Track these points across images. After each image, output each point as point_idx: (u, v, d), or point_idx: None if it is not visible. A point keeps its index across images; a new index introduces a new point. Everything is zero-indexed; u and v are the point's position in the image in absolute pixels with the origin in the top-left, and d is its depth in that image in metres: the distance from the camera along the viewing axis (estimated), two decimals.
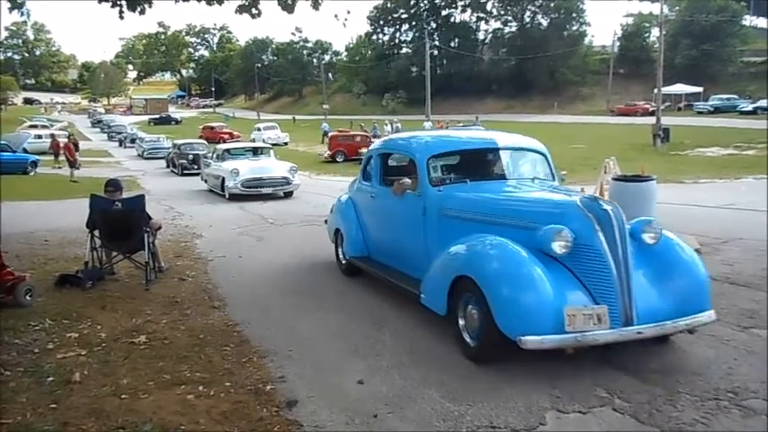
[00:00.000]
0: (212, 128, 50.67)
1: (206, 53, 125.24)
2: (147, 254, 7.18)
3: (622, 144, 28.68)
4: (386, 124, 43.00)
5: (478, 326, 4.44)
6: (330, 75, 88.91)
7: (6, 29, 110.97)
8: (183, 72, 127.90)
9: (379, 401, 3.98)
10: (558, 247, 4.32)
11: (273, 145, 29.23)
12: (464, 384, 4.17)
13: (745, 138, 30.34)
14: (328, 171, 27.98)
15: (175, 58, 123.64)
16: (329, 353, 4.91)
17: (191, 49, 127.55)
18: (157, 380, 4.34)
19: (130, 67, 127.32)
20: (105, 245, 7.36)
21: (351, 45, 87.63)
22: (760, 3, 61.36)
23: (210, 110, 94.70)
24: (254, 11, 11.35)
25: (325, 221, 8.43)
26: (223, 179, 16.64)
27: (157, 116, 74.36)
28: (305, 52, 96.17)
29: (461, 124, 36.65)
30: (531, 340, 3.97)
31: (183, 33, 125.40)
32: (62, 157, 26.58)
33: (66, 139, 25.72)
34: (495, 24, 74.74)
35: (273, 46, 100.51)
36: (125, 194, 7.84)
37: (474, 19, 76.27)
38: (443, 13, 76.18)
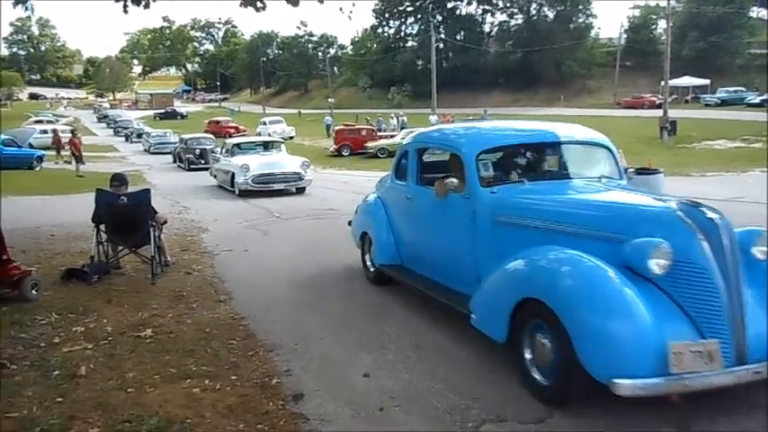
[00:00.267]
0: (218, 122, 50.69)
1: (211, 47, 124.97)
2: (152, 248, 7.18)
3: (629, 137, 28.40)
4: (391, 118, 42.89)
5: (553, 360, 3.69)
6: (335, 68, 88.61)
7: (11, 24, 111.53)
8: (189, 66, 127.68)
9: (385, 395, 3.97)
10: (655, 265, 3.55)
11: None
12: (470, 377, 4.14)
13: (752, 130, 30.07)
14: (334, 165, 27.94)
15: (180, 52, 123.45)
16: (335, 346, 4.91)
17: (196, 44, 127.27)
18: (163, 373, 4.34)
19: (135, 61, 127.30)
20: (111, 239, 7.37)
21: (356, 38, 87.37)
22: None
23: (216, 104, 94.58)
24: (258, 4, 11.26)
25: (349, 223, 7.63)
26: (233, 175, 16.06)
27: (163, 111, 74.13)
28: (310, 46, 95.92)
29: (470, 117, 36.36)
30: (626, 385, 3.20)
31: (188, 28, 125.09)
32: (64, 152, 26.66)
33: (70, 134, 25.73)
34: (500, 17, 74.42)
35: (279, 40, 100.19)
36: (131, 189, 7.85)
37: (480, 11, 75.91)
38: (449, 5, 75.73)
